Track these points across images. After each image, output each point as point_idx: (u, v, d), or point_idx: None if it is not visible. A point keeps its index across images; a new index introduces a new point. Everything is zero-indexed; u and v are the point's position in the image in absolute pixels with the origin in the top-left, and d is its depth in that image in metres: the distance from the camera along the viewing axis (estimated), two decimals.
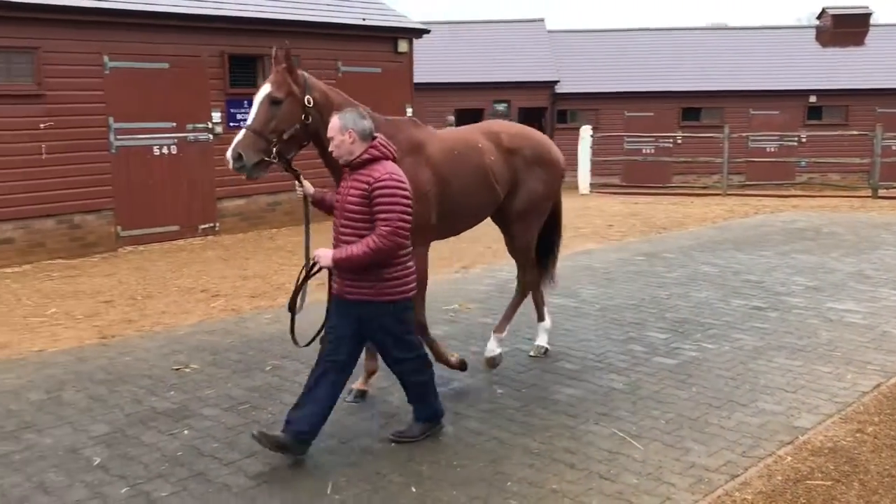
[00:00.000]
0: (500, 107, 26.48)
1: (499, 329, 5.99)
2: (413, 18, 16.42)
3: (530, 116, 26.95)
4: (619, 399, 5.30)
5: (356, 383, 5.28)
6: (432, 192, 5.06)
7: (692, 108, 25.90)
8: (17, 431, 4.80)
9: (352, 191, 4.21)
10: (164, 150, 12.29)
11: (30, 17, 10.72)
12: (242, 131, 4.51)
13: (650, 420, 4.92)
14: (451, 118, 24.26)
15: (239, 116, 12.99)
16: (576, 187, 20.77)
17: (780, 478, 4.16)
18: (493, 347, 5.88)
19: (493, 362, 5.84)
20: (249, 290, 8.90)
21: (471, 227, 5.76)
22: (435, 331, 5.85)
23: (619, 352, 6.32)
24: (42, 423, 4.95)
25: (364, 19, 14.78)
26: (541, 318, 6.34)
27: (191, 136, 12.61)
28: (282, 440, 4.26)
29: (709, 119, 25.67)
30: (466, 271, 9.93)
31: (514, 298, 6.17)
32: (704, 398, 5.28)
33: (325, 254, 4.24)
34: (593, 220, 14.85)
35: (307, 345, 4.63)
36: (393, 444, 4.58)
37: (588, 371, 5.86)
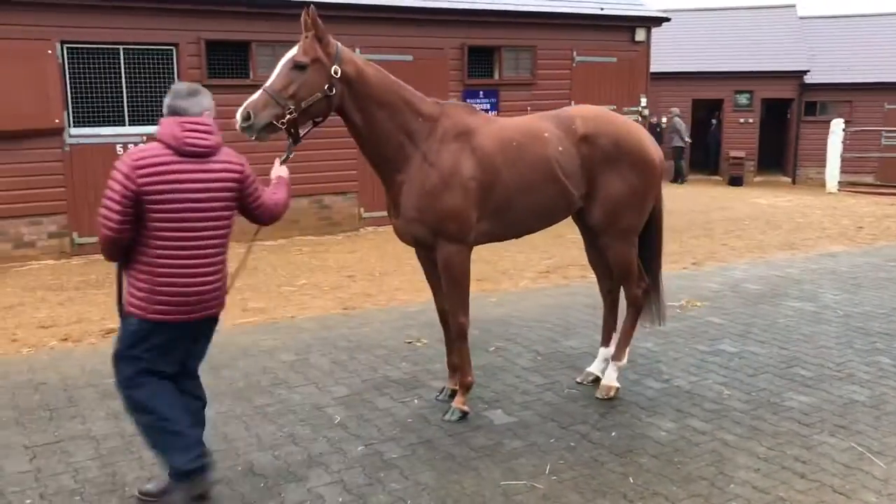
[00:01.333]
0: (742, 98, 25.11)
1: (617, 356, 5.26)
2: (651, 6, 15.98)
3: (775, 108, 25.34)
4: (859, 412, 4.92)
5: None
6: (475, 184, 4.55)
7: None
8: (271, 387, 5.37)
9: None
10: None
11: (291, 14, 11.74)
12: (258, 92, 4.16)
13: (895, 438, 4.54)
14: (675, 110, 23.36)
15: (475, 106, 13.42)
16: (822, 185, 19.27)
17: None
18: (611, 376, 5.19)
19: (608, 392, 5.13)
20: (476, 273, 9.18)
21: (536, 229, 5.04)
22: (660, 327, 5.74)
23: (863, 362, 5.84)
24: (292, 381, 5.49)
25: (602, 8, 14.63)
26: (605, 342, 5.47)
27: None
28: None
29: None
30: (697, 267, 9.59)
31: (625, 320, 5.34)
32: None
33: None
34: (841, 221, 13.74)
35: None
36: (613, 434, 4.58)
37: (825, 380, 5.48)
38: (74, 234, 10.61)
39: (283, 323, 7.08)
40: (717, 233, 12.51)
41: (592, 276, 5.71)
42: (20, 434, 4.58)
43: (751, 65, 24.64)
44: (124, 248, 3.52)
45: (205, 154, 3.55)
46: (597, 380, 5.37)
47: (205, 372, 5.46)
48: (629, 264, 5.10)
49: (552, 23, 14.09)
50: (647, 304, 5.35)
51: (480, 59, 13.65)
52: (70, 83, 10.46)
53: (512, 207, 4.72)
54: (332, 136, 12.22)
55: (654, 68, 16.50)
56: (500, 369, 5.73)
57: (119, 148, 10.62)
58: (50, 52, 10.08)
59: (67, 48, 10.33)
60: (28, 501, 3.79)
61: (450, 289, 4.74)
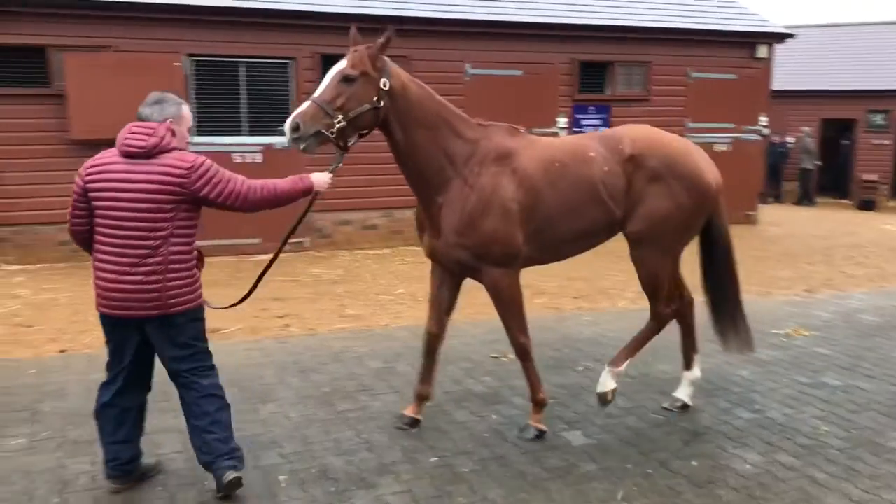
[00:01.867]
0: (877, 118, 23.70)
1: (615, 362, 5.02)
2: (774, 22, 15.37)
3: None
4: None
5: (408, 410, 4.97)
6: (516, 207, 4.46)
7: None
8: (355, 393, 5.47)
9: None
10: None
11: (403, 29, 12.01)
12: (306, 102, 4.17)
13: None
14: (807, 129, 22.28)
15: (584, 121, 13.30)
16: None
17: None
18: (605, 381, 4.95)
19: (603, 398, 4.92)
20: (574, 290, 9.11)
21: (581, 250, 4.94)
22: (759, 355, 5.50)
23: None
24: (376, 388, 5.59)
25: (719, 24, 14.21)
26: (688, 366, 5.33)
27: None
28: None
29: None
30: (810, 295, 9.12)
31: (641, 330, 5.18)
32: None
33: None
34: None
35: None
36: (694, 463, 4.42)
37: None
38: None
39: (377, 331, 7.21)
40: (836, 259, 11.86)
41: (699, 299, 5.51)
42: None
43: (888, 82, 23.24)
44: (86, 241, 3.87)
45: (141, 155, 3.67)
46: (685, 406, 5.21)
47: (294, 375, 5.65)
48: (660, 282, 4.93)
49: (668, 38, 13.80)
50: (732, 332, 5.14)
51: (592, 75, 13.53)
52: (194, 94, 11.07)
53: (553, 230, 4.61)
54: None
55: (777, 86, 15.89)
56: (585, 390, 5.62)
57: (237, 157, 11.14)
58: (177, 64, 10.70)
59: (193, 61, 10.95)
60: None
61: (502, 312, 4.71)
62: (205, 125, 11.14)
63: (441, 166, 4.46)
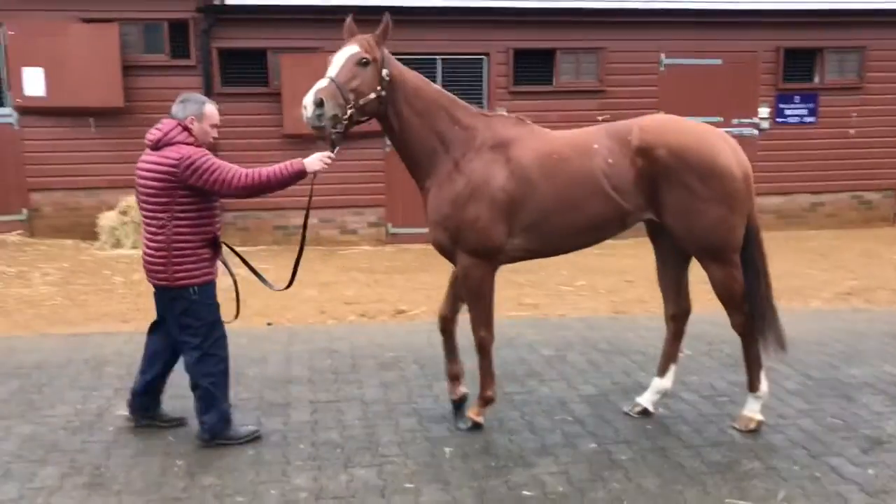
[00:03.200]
0: None
1: (752, 386, 4.75)
2: None
3: None
4: None
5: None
6: (504, 196, 4.38)
7: None
8: (524, 378, 5.68)
9: None
10: None
11: (598, 21, 12.01)
12: (324, 80, 4.19)
13: None
14: None
15: (788, 112, 12.62)
16: None
17: None
18: (752, 408, 4.74)
19: (747, 424, 4.71)
20: None
21: (583, 245, 4.75)
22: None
23: None
24: (545, 374, 5.76)
25: None
26: (661, 373, 5.02)
27: (735, 130, 12.65)
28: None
29: None
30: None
31: (742, 350, 4.85)
32: None
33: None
34: None
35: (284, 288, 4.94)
36: (871, 472, 4.20)
37: None
38: (389, 225, 11.89)
39: (553, 320, 7.37)
40: None
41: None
42: (309, 391, 5.39)
43: None
44: None
45: (151, 146, 4.31)
46: (645, 411, 4.98)
47: (469, 356, 5.93)
48: (728, 288, 4.57)
49: (886, 21, 12.71)
50: (769, 332, 4.71)
51: (798, 62, 12.77)
52: None
53: (550, 223, 4.48)
54: None
55: None
56: None
57: None
58: None
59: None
60: (301, 446, 4.49)
61: (468, 301, 4.68)
62: None
63: (433, 149, 4.51)
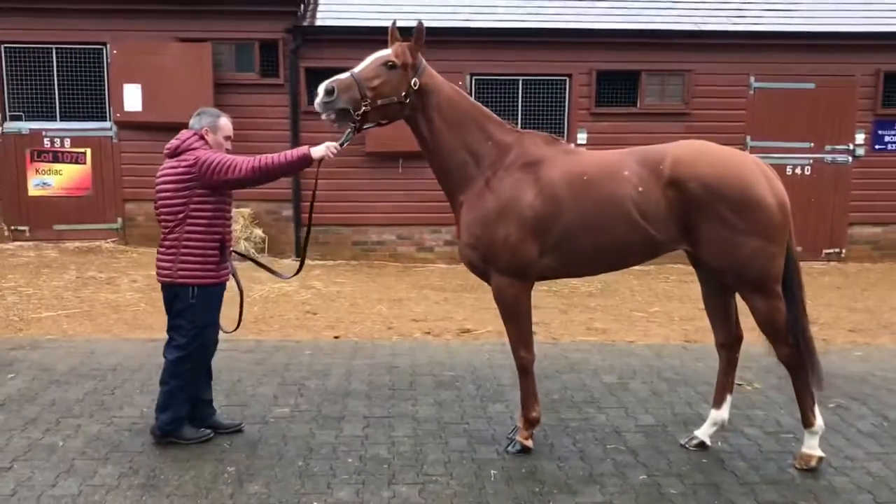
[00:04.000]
0: None
1: (806, 422, 4.56)
2: None
3: None
4: None
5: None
6: (532, 215, 4.36)
7: None
8: (582, 404, 5.59)
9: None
10: (798, 170, 12.17)
11: (685, 43, 11.80)
12: (344, 73, 4.31)
13: None
14: None
15: (887, 139, 12.07)
16: None
17: None
18: (811, 444, 4.57)
19: (807, 462, 4.54)
20: (851, 322, 8.36)
21: (614, 268, 4.77)
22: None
23: None
24: (604, 402, 5.65)
25: None
26: (717, 404, 4.87)
27: (828, 157, 12.20)
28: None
29: None
30: None
31: (793, 383, 4.63)
32: None
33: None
34: None
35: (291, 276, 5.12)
36: None
37: None
38: None
39: (620, 346, 7.23)
40: None
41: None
42: (365, 405, 5.45)
43: None
44: None
45: (169, 154, 4.61)
46: (702, 444, 4.83)
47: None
48: (771, 320, 4.42)
49: None
50: (810, 369, 4.55)
51: None
52: None
53: (574, 244, 4.43)
54: None
55: None
56: (831, 429, 5.20)
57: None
58: (460, 83, 11.49)
59: (475, 79, 11.68)
60: (349, 460, 4.55)
61: (505, 322, 4.69)
62: None
63: (464, 162, 4.53)
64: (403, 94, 4.40)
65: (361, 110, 4.30)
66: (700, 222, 4.28)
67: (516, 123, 11.84)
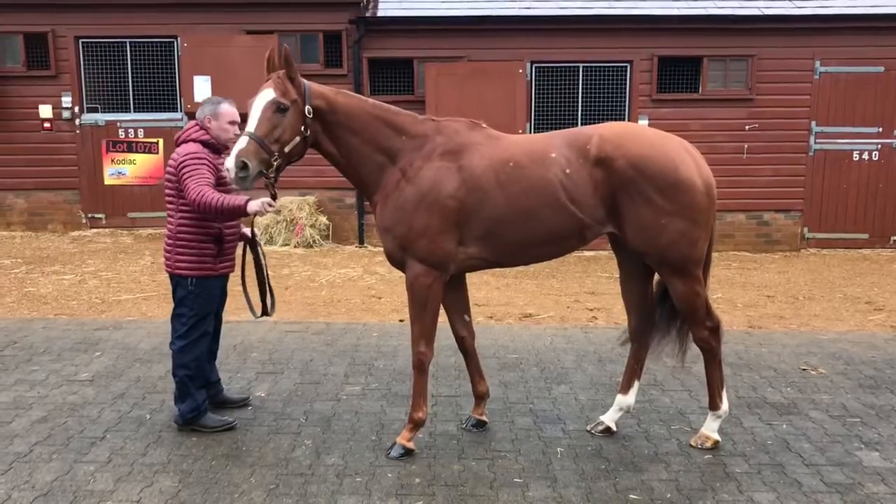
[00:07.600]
0: None
1: (712, 405, 4.64)
2: None
3: None
4: None
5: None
6: (454, 204, 4.24)
7: None
8: (646, 386, 5.61)
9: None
10: (865, 156, 11.93)
11: (747, 28, 11.66)
12: (244, 138, 4.09)
13: None
14: None
15: None
16: None
17: None
18: (710, 426, 4.66)
19: (703, 442, 4.63)
20: None
21: (546, 256, 4.57)
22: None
23: None
24: (667, 384, 5.72)
25: None
26: (622, 388, 4.87)
27: None
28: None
29: None
30: None
31: (705, 367, 4.66)
32: None
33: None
34: None
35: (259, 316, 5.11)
36: None
37: None
38: None
39: None
40: None
41: None
42: (431, 385, 5.56)
43: None
44: None
45: (175, 144, 4.78)
46: (608, 429, 4.82)
47: (591, 362, 5.97)
48: (691, 302, 4.43)
49: None
50: (674, 345, 4.76)
51: None
52: (534, 98, 11.88)
53: (505, 232, 4.30)
54: (778, 151, 11.87)
55: None
56: (894, 412, 5.21)
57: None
58: (521, 71, 11.58)
59: (535, 67, 11.74)
60: (420, 435, 4.71)
61: (412, 312, 4.45)
62: (541, 126, 11.90)
63: (380, 164, 4.39)
64: (303, 128, 4.23)
65: (275, 166, 4.18)
66: (625, 202, 4.22)
67: (577, 110, 11.90)
